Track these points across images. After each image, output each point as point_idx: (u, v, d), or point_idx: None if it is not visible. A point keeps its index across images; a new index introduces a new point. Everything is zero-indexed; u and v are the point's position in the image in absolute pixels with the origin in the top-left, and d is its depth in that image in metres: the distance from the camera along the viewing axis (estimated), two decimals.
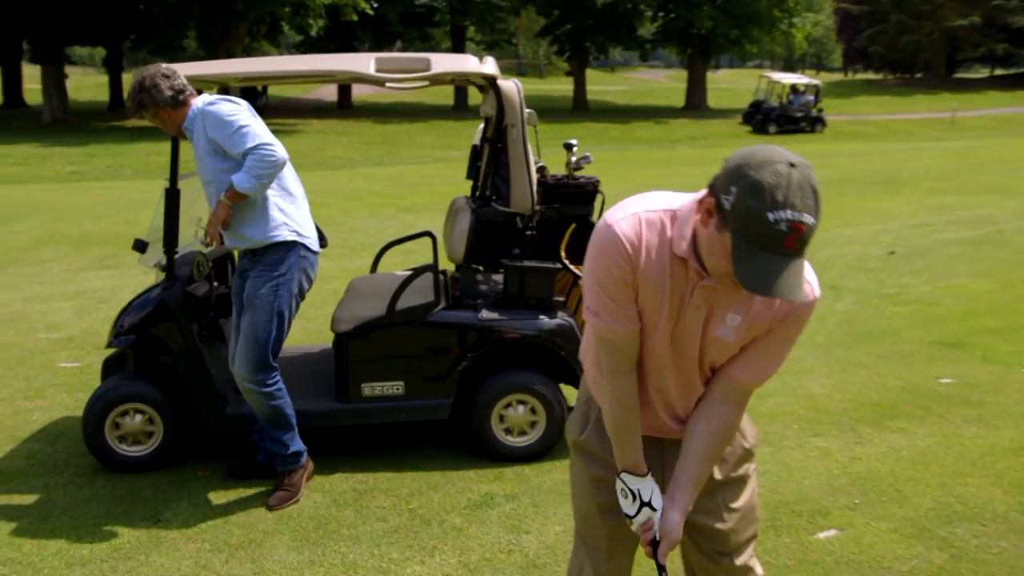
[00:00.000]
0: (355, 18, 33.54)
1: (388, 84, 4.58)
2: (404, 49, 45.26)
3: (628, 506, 2.08)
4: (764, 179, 1.63)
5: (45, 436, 4.89)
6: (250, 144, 3.73)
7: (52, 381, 5.78)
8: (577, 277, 4.55)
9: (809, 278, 1.89)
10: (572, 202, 4.56)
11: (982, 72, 72.33)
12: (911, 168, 18.99)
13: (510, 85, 4.29)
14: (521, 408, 4.40)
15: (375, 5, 38.31)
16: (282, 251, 3.93)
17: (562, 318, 4.39)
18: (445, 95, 45.02)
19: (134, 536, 3.75)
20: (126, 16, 33.10)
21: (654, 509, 2.04)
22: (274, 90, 41.93)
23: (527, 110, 4.33)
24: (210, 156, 3.85)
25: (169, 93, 3.81)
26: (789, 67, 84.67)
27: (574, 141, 4.70)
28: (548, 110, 39.17)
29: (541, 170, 4.56)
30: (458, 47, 45.98)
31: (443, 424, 4.66)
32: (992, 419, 4.91)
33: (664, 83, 64.50)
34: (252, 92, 37.25)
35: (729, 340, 1.94)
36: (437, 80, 4.43)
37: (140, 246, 4.38)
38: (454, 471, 4.33)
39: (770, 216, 1.63)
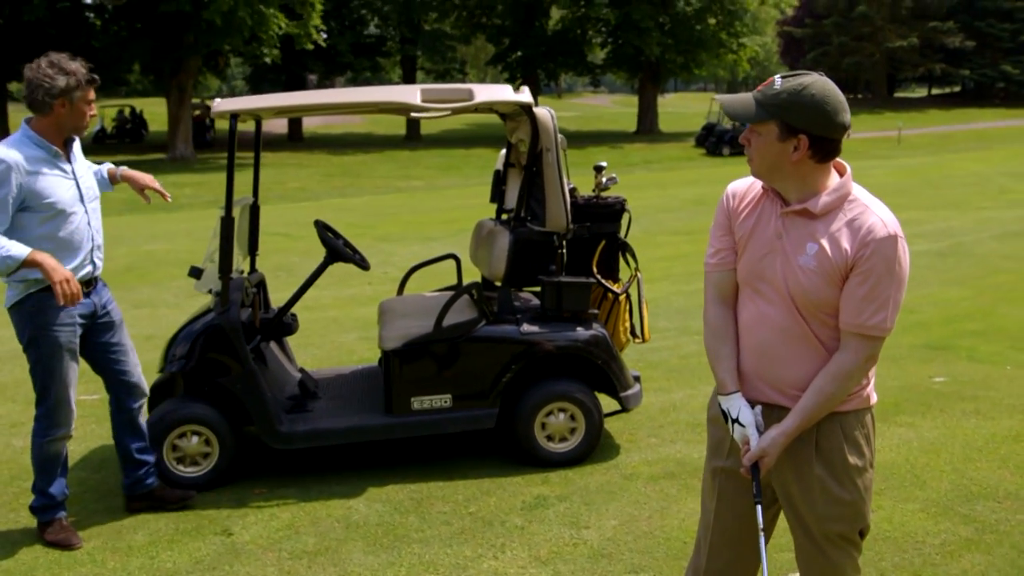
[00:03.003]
0: (311, 47, 33.68)
1: (413, 114, 4.90)
2: (354, 79, 45.43)
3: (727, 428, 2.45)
4: None
5: (88, 464, 5.01)
6: None
7: (76, 413, 5.86)
8: (607, 290, 4.84)
9: (882, 215, 2.27)
10: (601, 220, 4.86)
11: (920, 92, 74.93)
12: (867, 185, 19.16)
13: (544, 112, 4.60)
14: (562, 416, 4.67)
15: (326, 36, 38.52)
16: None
17: (596, 329, 4.68)
18: (397, 126, 45.35)
19: (211, 549, 3.93)
20: (69, 50, 32.52)
21: (742, 425, 2.37)
22: (221, 123, 41.66)
23: (559, 135, 4.64)
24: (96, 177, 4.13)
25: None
26: (733, 89, 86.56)
27: (604, 163, 5.02)
28: (501, 138, 39.50)
29: (572, 191, 4.85)
30: (409, 77, 46.33)
31: (484, 435, 4.91)
32: (988, 411, 5.31)
33: (612, 108, 65.57)
34: (202, 125, 37.23)
35: (810, 267, 2.26)
36: (469, 109, 4.70)
37: (195, 273, 4.58)
38: (502, 477, 4.57)
39: None
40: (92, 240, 3.95)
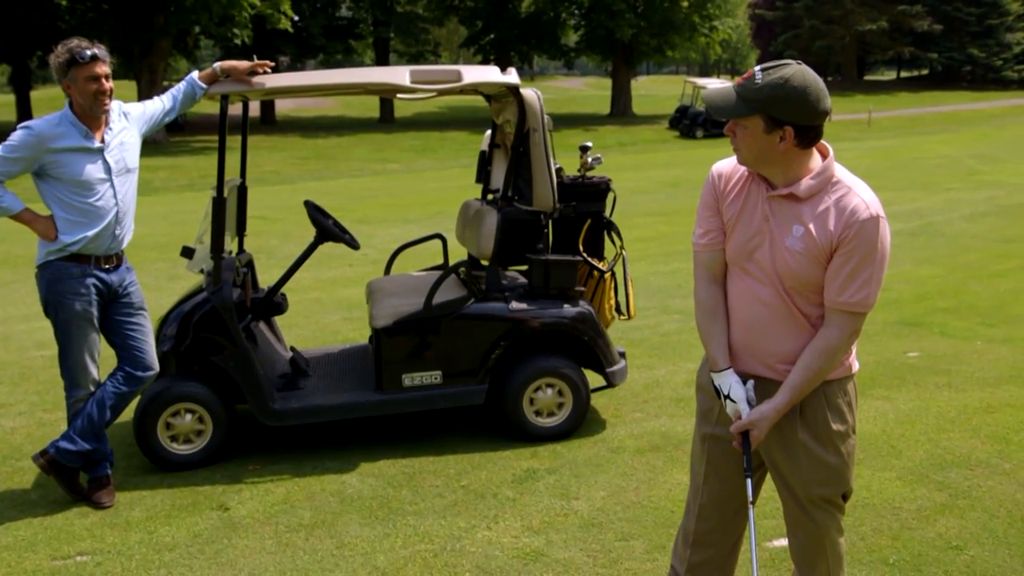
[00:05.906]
0: (284, 25, 33.28)
1: (400, 96, 4.96)
2: (326, 61, 45.11)
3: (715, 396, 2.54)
4: None
5: None
6: None
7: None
8: (593, 268, 4.94)
9: (865, 197, 2.34)
10: (587, 200, 4.95)
11: (889, 74, 75.65)
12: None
13: (531, 94, 4.67)
14: (550, 391, 4.77)
15: (296, 19, 38.14)
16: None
17: (583, 306, 4.78)
18: (371, 109, 45.12)
19: (209, 523, 4.00)
20: (33, 31, 31.88)
21: (733, 401, 2.47)
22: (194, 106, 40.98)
23: (545, 116, 4.72)
24: (138, 147, 4.24)
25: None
26: (704, 72, 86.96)
27: (589, 144, 5.11)
28: (475, 120, 39.62)
29: (558, 171, 4.94)
30: (382, 59, 46.08)
31: (472, 410, 5.00)
32: (960, 384, 5.49)
33: (584, 91, 65.52)
34: None
35: (797, 248, 2.35)
36: (456, 91, 4.76)
37: (187, 253, 4.62)
38: (492, 451, 4.68)
39: None
40: (116, 213, 4.07)
